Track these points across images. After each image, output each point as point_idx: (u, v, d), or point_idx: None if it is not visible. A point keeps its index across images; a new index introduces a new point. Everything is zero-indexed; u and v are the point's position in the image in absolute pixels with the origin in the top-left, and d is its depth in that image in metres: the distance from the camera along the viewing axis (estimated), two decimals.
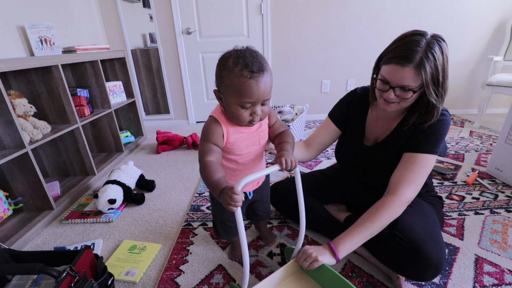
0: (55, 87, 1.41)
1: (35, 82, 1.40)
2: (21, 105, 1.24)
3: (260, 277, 0.94)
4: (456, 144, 1.97)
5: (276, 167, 0.65)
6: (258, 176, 0.63)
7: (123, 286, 0.93)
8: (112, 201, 1.28)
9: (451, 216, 1.17)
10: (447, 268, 0.91)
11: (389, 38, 0.80)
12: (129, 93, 2.14)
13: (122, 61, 2.04)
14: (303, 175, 1.15)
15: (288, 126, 1.79)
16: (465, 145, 1.93)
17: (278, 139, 0.78)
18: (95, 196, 1.31)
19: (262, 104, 0.66)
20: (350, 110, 1.01)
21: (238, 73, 0.60)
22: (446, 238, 1.05)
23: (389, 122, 0.91)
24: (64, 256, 0.79)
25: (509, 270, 0.90)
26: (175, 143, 2.09)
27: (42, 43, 1.57)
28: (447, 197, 1.31)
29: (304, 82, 2.59)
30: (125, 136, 2.15)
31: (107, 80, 2.06)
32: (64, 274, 0.67)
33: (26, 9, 1.56)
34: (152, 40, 3.17)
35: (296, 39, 2.41)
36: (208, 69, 2.55)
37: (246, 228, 1.17)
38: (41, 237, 1.19)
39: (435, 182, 1.44)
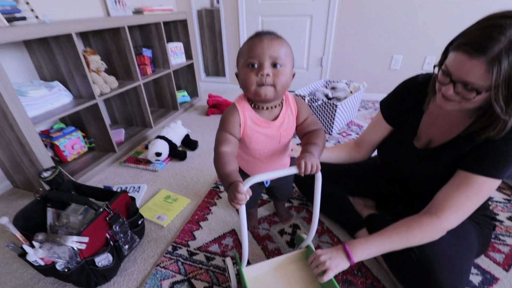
0: (123, 47, 1.59)
1: (107, 41, 1.60)
2: (94, 61, 1.46)
3: (265, 249, 0.99)
4: None
5: (293, 170, 0.60)
6: (269, 177, 0.60)
7: (153, 227, 1.11)
8: (158, 154, 1.47)
9: (504, 241, 0.98)
10: None
11: (485, 11, 0.60)
12: (188, 54, 2.26)
13: (184, 23, 2.12)
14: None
15: (336, 105, 1.66)
16: None
17: (305, 139, 0.70)
18: (146, 147, 1.52)
19: (274, 66, 0.60)
20: (405, 103, 0.84)
21: (249, 39, 0.63)
22: (487, 264, 0.89)
23: (451, 125, 0.75)
24: (109, 194, 0.97)
25: None
26: (223, 107, 2.19)
27: (116, 3, 1.74)
28: (509, 218, 1.08)
29: (370, 56, 2.28)
30: (182, 96, 2.34)
31: (170, 41, 2.20)
32: (101, 209, 0.83)
33: None
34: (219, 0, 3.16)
35: (368, 3, 2.07)
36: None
37: (266, 202, 1.22)
38: (104, 174, 1.48)
39: (501, 197, 1.19)
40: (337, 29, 2.26)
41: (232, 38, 2.58)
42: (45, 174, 0.88)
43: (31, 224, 0.85)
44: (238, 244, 1.02)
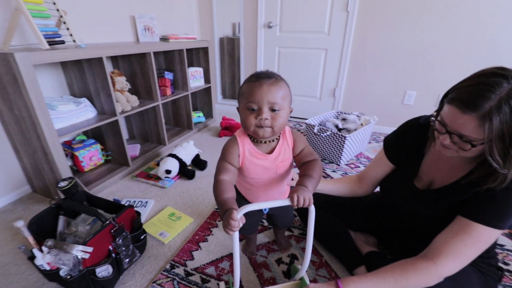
0: (147, 70, 1.72)
1: (134, 63, 1.75)
2: (120, 82, 1.59)
3: (261, 277, 0.99)
4: None
5: (286, 202, 0.62)
6: (262, 206, 0.63)
7: (155, 243, 1.14)
8: (168, 172, 1.54)
9: None
10: None
11: (495, 58, 0.63)
12: (207, 78, 2.40)
13: (205, 50, 2.28)
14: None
15: (345, 137, 1.69)
16: None
17: (302, 170, 0.73)
18: (158, 164, 1.59)
19: (273, 110, 0.65)
20: (406, 144, 0.86)
21: (247, 80, 0.68)
22: None
23: (452, 169, 0.75)
24: (117, 207, 1.02)
25: None
26: (235, 130, 2.26)
27: (145, 31, 1.92)
28: None
29: (383, 90, 2.32)
30: (197, 116, 2.45)
31: (191, 66, 2.36)
32: (108, 222, 0.88)
33: (138, 2, 1.93)
34: (240, 30, 3.38)
35: (382, 41, 2.15)
36: (282, 63, 2.58)
37: (266, 228, 1.22)
38: (116, 186, 1.55)
39: None
40: (351, 63, 2.33)
41: (250, 65, 2.72)
42: (62, 184, 0.96)
43: (43, 229, 0.91)
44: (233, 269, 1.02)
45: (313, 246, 1.12)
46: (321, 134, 1.78)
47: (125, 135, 1.95)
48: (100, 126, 1.60)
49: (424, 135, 0.82)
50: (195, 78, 2.30)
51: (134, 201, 1.39)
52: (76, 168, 1.56)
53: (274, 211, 0.92)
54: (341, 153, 1.77)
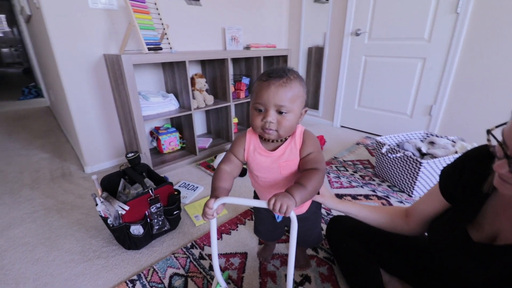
0: (224, 74, 1.95)
1: (216, 68, 2.01)
2: (199, 83, 1.87)
3: (262, 285, 0.96)
4: None
5: (263, 204, 0.59)
6: (238, 202, 0.61)
7: (189, 223, 1.28)
8: None
9: None
10: None
11: None
12: None
13: (284, 58, 2.36)
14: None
15: (421, 163, 1.38)
16: None
17: (298, 177, 0.66)
18: (215, 157, 1.77)
19: (279, 112, 0.63)
20: (464, 178, 0.64)
21: (259, 78, 0.66)
22: None
23: None
24: (162, 182, 1.22)
25: None
26: None
27: (232, 40, 2.17)
28: None
29: (496, 113, 1.74)
30: None
31: None
32: (146, 190, 1.07)
33: (229, 16, 2.20)
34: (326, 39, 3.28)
35: (502, 50, 1.63)
36: (368, 73, 2.34)
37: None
38: (181, 169, 1.82)
39: None
40: (457, 76, 1.87)
41: (332, 75, 2.61)
42: (129, 155, 1.23)
43: (110, 186, 1.20)
44: (241, 267, 1.03)
45: (334, 275, 0.99)
46: (389, 155, 1.52)
47: (201, 128, 2.27)
48: (180, 118, 1.92)
49: (487, 169, 0.60)
50: None
51: (188, 184, 1.60)
52: (158, 149, 1.94)
53: (289, 221, 0.87)
54: (415, 182, 1.45)
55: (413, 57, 2.05)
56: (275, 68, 0.66)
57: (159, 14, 1.63)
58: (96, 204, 1.06)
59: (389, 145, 1.55)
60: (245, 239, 1.18)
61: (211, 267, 1.03)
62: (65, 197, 1.49)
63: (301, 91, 0.66)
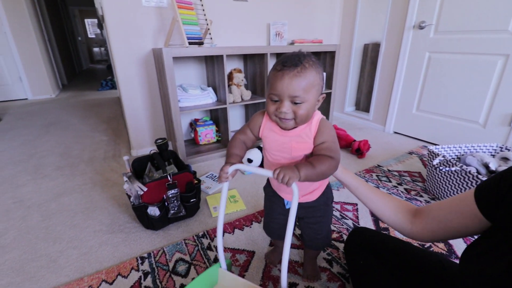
0: (263, 69, 1.93)
1: (256, 63, 2.00)
2: (237, 77, 1.88)
3: (262, 286, 0.90)
4: None
5: (269, 173, 0.63)
6: (249, 169, 0.66)
7: (207, 213, 1.30)
8: (250, 160, 1.67)
9: None
10: None
11: None
12: (329, 84, 2.31)
13: (332, 54, 2.20)
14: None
15: (478, 178, 1.11)
16: None
17: (311, 158, 0.68)
18: None
19: (294, 103, 0.62)
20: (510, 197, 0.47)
21: (274, 67, 0.65)
22: None
23: None
24: (185, 169, 1.26)
25: None
26: (341, 142, 2.04)
27: (276, 36, 2.12)
28: None
29: None
30: None
31: None
32: (165, 175, 1.12)
33: (275, 11, 2.16)
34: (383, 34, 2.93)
35: None
36: (432, 72, 2.01)
37: (302, 247, 1.07)
38: (212, 161, 1.87)
39: None
40: None
41: (387, 74, 2.33)
42: (158, 141, 1.31)
43: (140, 168, 1.30)
44: (245, 265, 0.99)
45: None
46: (442, 168, 1.27)
47: (239, 123, 2.28)
48: (218, 112, 1.97)
49: None
50: None
51: (215, 176, 1.63)
52: (195, 140, 2.03)
53: (299, 212, 0.82)
54: None
55: (492, 53, 1.68)
56: (289, 56, 0.64)
57: (203, 10, 1.70)
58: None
59: (443, 156, 1.30)
60: (257, 237, 1.13)
61: (215, 259, 1.02)
62: (110, 174, 1.68)
63: (317, 79, 0.64)
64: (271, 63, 1.89)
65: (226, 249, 1.06)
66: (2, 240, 1.14)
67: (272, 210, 0.92)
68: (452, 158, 1.45)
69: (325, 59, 2.29)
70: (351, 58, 2.66)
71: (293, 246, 1.07)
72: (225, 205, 0.76)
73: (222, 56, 1.68)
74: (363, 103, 3.05)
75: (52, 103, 3.84)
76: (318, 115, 0.70)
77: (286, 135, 0.70)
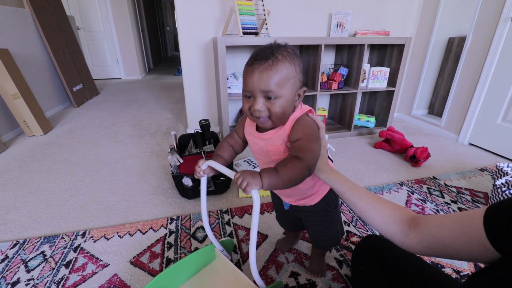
0: (316, 62, 1.87)
1: (310, 55, 1.95)
2: None
3: (264, 269, 0.94)
4: None
5: (231, 175, 0.59)
6: (218, 167, 0.64)
7: (235, 192, 1.39)
8: None
9: None
10: None
11: None
12: (393, 81, 2.09)
13: (400, 48, 1.97)
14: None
15: None
16: None
17: (277, 162, 0.60)
18: None
19: (268, 98, 0.57)
20: None
21: (247, 62, 0.61)
22: None
23: None
24: None
25: None
26: (395, 146, 1.85)
27: (337, 27, 2.02)
28: None
29: None
30: (366, 120, 2.25)
31: (380, 65, 2.16)
32: (200, 151, 1.25)
33: (338, 0, 2.04)
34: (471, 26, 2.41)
35: None
36: None
37: None
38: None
39: None
40: None
41: (470, 73, 1.96)
42: (202, 121, 1.45)
43: (185, 143, 1.47)
44: (257, 245, 1.04)
45: None
46: (503, 190, 1.04)
47: None
48: None
49: None
50: (376, 78, 2.10)
51: (251, 161, 1.70)
52: None
53: (295, 212, 0.83)
54: None
55: None
56: (262, 48, 0.59)
57: (262, 0, 1.74)
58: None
59: (511, 176, 1.06)
60: (273, 224, 1.16)
61: (230, 234, 1.10)
62: (166, 147, 1.94)
63: (291, 72, 0.57)
64: (330, 56, 1.82)
65: (242, 227, 1.14)
66: (79, 184, 1.47)
67: (277, 206, 0.94)
68: None
69: (391, 54, 2.07)
70: (427, 53, 2.32)
71: (306, 239, 1.07)
72: (206, 198, 0.77)
73: None
74: (438, 108, 2.65)
75: (137, 83, 4.55)
76: (297, 113, 0.63)
77: (262, 137, 0.65)
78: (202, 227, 1.13)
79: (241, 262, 0.97)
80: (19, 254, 1.00)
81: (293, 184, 0.58)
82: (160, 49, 8.10)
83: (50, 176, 1.56)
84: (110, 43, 4.73)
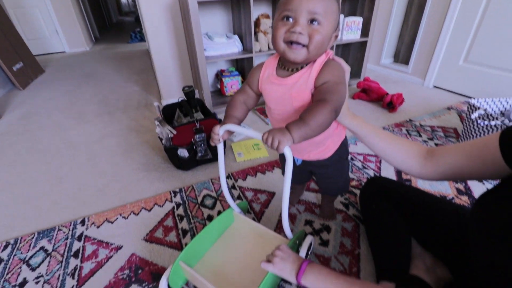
0: None
1: None
2: (264, 24, 1.78)
3: (279, 224, 0.98)
4: None
5: (259, 136, 0.56)
6: (239, 130, 0.61)
7: (231, 157, 1.38)
8: None
9: None
10: None
11: None
12: (365, 31, 2.10)
13: None
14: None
15: None
16: None
17: (303, 111, 0.57)
18: None
19: (311, 21, 0.53)
20: None
21: None
22: None
23: None
24: (210, 116, 1.31)
25: None
26: (372, 95, 1.94)
27: None
28: None
29: None
30: None
31: (353, 14, 2.14)
32: (192, 120, 1.18)
33: None
34: None
35: None
36: (492, 14, 1.72)
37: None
38: None
39: None
40: None
41: (434, 20, 2.04)
42: (185, 88, 1.34)
43: (170, 114, 1.37)
44: (265, 203, 1.07)
45: (357, 233, 0.92)
46: (479, 122, 1.17)
47: None
48: (244, 62, 1.93)
49: None
50: (350, 29, 2.09)
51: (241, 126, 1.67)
52: (220, 91, 2.04)
53: (312, 167, 0.84)
54: None
55: None
56: None
57: None
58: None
59: (484, 110, 1.19)
60: (278, 181, 1.19)
61: (238, 197, 1.11)
62: (144, 122, 1.81)
63: (336, 8, 0.55)
64: None
65: (248, 189, 1.15)
66: (57, 173, 1.33)
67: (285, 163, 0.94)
68: (495, 113, 1.33)
69: (363, 2, 2.05)
70: (394, 0, 2.34)
71: (312, 190, 1.12)
72: (223, 163, 0.76)
73: None
74: (403, 55, 2.76)
75: (87, 56, 4.01)
76: (323, 57, 0.60)
77: (285, 83, 0.62)
78: (209, 195, 1.12)
79: (256, 220, 1.00)
80: (15, 255, 0.91)
81: (323, 129, 0.56)
82: (104, 15, 7.09)
83: (17, 169, 1.38)
84: (44, 10, 3.99)
